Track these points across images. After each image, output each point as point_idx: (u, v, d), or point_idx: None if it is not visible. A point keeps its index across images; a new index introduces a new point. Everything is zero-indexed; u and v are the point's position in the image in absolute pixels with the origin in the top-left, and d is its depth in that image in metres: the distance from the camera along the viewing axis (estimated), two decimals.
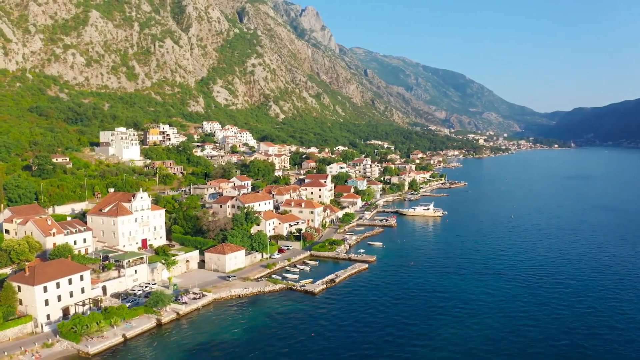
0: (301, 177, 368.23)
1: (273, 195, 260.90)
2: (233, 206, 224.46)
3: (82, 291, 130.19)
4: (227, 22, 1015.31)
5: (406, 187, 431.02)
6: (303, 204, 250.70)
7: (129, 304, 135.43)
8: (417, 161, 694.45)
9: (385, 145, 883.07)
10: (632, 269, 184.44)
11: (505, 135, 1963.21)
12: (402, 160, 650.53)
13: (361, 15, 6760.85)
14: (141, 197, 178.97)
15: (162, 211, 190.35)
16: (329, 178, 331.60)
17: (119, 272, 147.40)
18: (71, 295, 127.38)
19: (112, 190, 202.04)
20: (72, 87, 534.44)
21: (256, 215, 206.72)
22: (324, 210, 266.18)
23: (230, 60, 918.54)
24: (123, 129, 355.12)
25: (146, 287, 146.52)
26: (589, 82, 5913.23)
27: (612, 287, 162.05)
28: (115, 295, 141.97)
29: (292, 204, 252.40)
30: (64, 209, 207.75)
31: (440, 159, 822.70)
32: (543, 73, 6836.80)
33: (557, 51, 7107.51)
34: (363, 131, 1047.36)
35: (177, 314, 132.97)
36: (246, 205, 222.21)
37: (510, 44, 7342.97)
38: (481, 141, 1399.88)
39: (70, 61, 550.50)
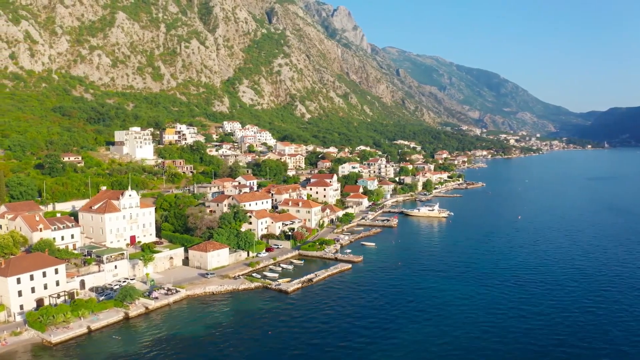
0: (309, 176, 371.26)
1: (272, 194, 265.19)
2: (229, 205, 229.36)
3: (57, 284, 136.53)
4: (255, 23, 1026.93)
5: (420, 188, 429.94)
6: (300, 204, 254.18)
7: (102, 297, 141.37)
8: (441, 161, 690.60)
9: (412, 145, 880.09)
10: (621, 274, 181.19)
11: (538, 135, 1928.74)
12: (423, 161, 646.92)
13: (395, 15, 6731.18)
14: (129, 195, 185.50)
15: (152, 209, 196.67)
16: (335, 178, 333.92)
17: (99, 267, 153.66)
18: (45, 288, 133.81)
19: (104, 188, 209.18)
20: (98, 88, 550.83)
21: (245, 214, 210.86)
22: (323, 210, 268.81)
23: (257, 60, 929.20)
24: (137, 129, 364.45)
25: (124, 282, 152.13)
26: (626, 81, 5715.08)
27: (595, 292, 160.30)
28: (94, 289, 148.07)
29: (290, 203, 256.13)
30: (64, 206, 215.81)
31: (465, 159, 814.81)
32: (578, 72, 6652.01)
33: (593, 50, 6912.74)
34: (390, 131, 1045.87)
35: (147, 308, 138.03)
36: (241, 204, 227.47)
37: (544, 42, 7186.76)
38: (512, 141, 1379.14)
39: (96, 62, 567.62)
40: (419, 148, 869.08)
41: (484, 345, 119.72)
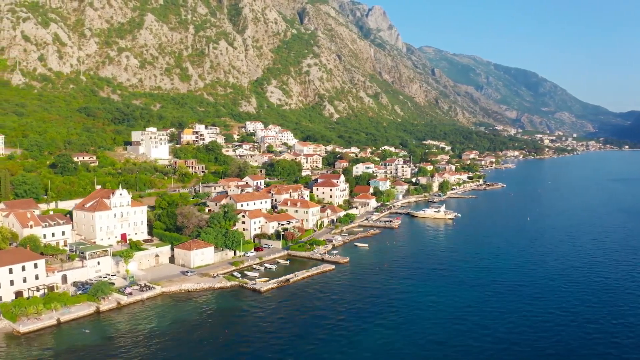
0: (317, 177, 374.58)
1: (272, 194, 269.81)
2: (223, 204, 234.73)
3: (37, 278, 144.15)
4: (285, 23, 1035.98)
5: (435, 189, 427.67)
6: (298, 204, 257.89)
7: (80, 292, 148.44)
8: (468, 162, 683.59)
9: (441, 145, 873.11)
10: (616, 279, 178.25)
11: (574, 135, 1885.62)
12: (447, 161, 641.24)
13: (432, 14, 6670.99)
14: (120, 194, 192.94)
15: (144, 207, 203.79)
16: (342, 178, 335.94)
17: (82, 262, 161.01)
18: (24, 281, 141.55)
19: (98, 187, 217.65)
20: (125, 89, 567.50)
21: (234, 213, 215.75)
22: (323, 210, 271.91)
23: (285, 60, 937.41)
24: (153, 129, 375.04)
25: (105, 278, 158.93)
26: None
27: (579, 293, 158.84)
28: (76, 284, 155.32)
29: (289, 203, 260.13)
30: (66, 204, 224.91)
31: (493, 160, 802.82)
32: (618, 70, 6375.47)
33: (633, 48, 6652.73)
34: (420, 131, 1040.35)
35: (119, 303, 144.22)
36: (239, 203, 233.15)
37: (583, 41, 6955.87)
38: (547, 141, 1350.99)
39: (124, 63, 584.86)
40: (447, 148, 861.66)
41: (443, 350, 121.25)
